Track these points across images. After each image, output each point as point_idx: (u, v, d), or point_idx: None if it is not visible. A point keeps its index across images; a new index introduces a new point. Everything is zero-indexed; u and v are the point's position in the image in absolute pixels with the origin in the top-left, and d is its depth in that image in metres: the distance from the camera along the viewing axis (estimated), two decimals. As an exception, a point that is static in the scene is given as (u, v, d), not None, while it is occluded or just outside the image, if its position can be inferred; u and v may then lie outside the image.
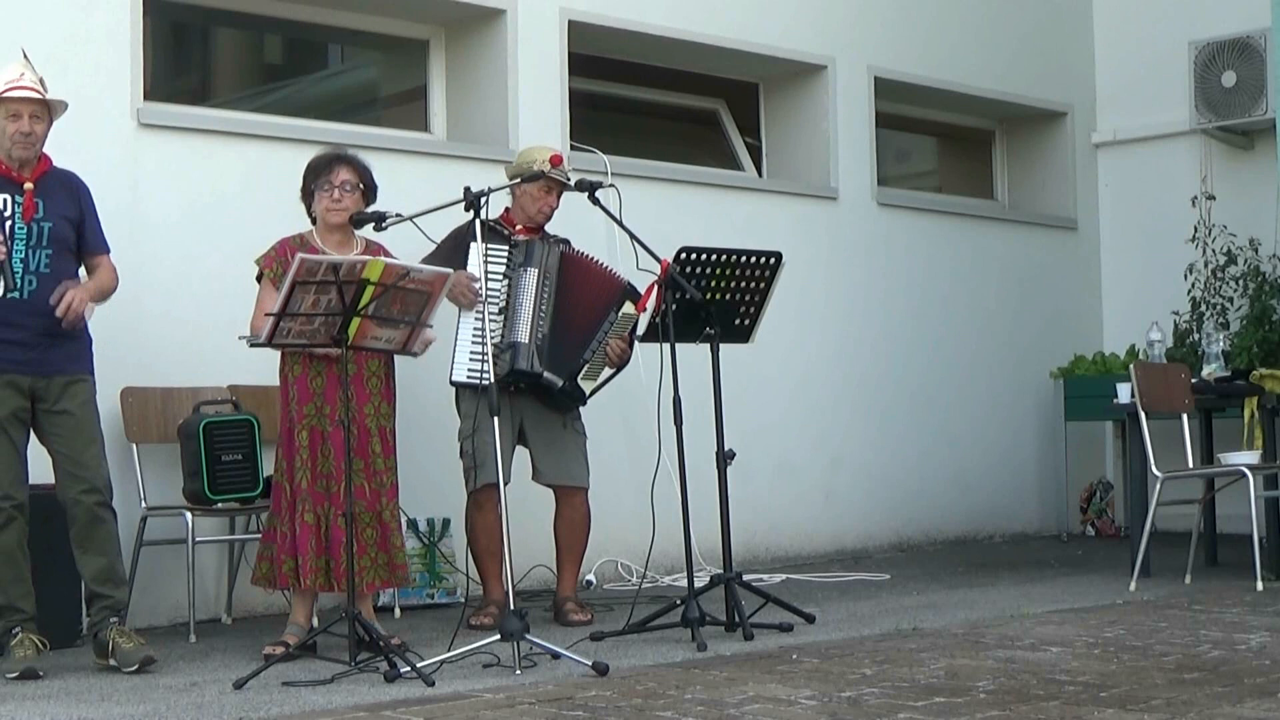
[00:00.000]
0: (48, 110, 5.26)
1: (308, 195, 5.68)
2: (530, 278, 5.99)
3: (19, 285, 5.15)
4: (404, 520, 5.93)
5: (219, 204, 6.48)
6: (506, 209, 6.30)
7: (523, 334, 5.95)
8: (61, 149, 5.34)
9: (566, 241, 6.27)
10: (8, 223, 5.16)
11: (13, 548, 5.19)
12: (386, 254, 5.60)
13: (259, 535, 5.74)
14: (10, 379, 5.16)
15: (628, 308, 6.13)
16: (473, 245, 5.81)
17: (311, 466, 5.45)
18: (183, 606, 6.05)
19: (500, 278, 5.98)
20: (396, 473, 5.64)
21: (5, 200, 5.19)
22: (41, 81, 5.26)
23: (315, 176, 5.64)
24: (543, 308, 6.01)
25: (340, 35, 7.83)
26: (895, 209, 9.25)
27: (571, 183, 6.11)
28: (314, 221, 5.69)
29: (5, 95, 5.17)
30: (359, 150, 5.93)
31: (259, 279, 5.62)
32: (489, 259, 5.83)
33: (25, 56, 5.31)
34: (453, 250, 5.93)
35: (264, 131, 6.81)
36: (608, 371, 6.21)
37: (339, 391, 5.35)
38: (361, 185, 5.64)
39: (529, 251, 6.03)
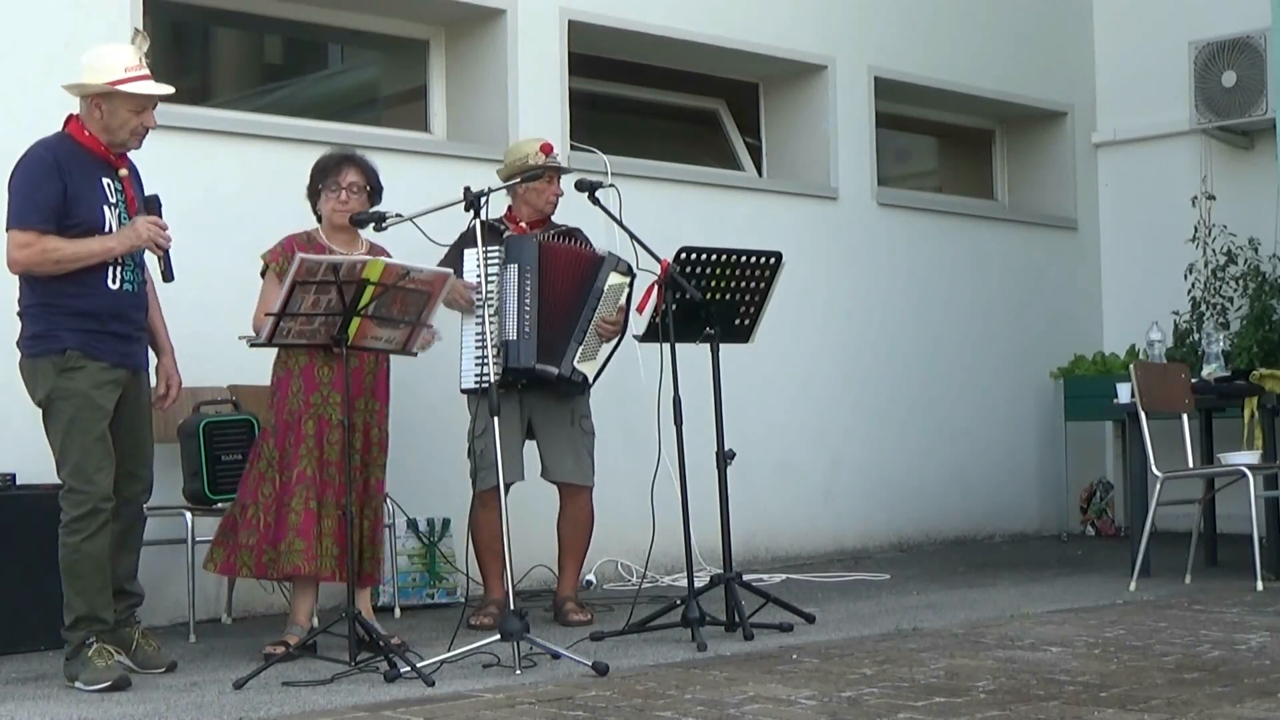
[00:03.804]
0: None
1: (314, 194, 5.68)
2: (511, 273, 5.93)
3: (132, 280, 5.05)
4: (388, 518, 5.92)
5: (218, 204, 6.48)
6: (509, 207, 6.30)
7: (511, 331, 5.93)
8: (61, 149, 5.33)
9: (578, 231, 6.26)
10: (115, 210, 5.01)
11: (104, 553, 4.94)
12: (388, 256, 5.60)
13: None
14: (118, 374, 5.03)
15: (613, 278, 6.06)
16: (468, 251, 5.83)
17: (318, 454, 5.43)
18: (183, 606, 6.05)
19: (494, 278, 5.95)
20: (383, 470, 5.64)
21: (109, 185, 5.03)
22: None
23: (323, 176, 5.64)
24: (526, 301, 5.97)
25: (340, 35, 7.83)
26: (895, 209, 9.25)
27: (568, 166, 6.08)
28: (319, 220, 5.70)
29: (138, 91, 4.98)
30: (359, 150, 5.92)
31: (263, 274, 5.61)
32: (488, 260, 5.82)
33: (137, 40, 5.10)
34: (455, 257, 5.95)
35: (264, 131, 6.81)
36: (606, 349, 6.15)
37: (344, 387, 5.34)
38: (368, 187, 5.65)
39: (508, 248, 5.97)
